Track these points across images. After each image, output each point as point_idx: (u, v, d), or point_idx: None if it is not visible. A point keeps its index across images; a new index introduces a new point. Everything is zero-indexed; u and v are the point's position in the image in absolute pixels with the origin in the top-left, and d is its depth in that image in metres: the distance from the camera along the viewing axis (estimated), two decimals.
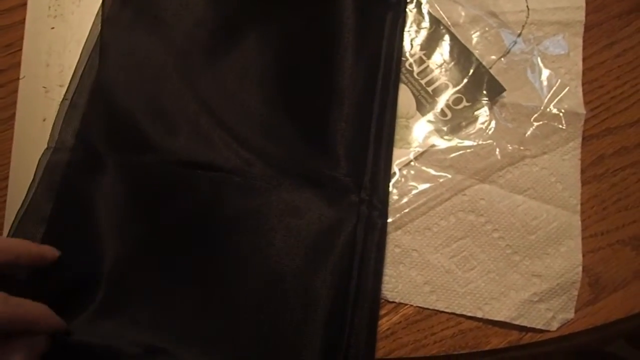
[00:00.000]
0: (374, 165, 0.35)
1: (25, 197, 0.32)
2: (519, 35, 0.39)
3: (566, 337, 0.34)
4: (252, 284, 0.31)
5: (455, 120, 0.37)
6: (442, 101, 0.37)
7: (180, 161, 0.35)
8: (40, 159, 0.34)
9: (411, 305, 0.34)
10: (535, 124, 0.37)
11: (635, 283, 0.34)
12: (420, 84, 0.38)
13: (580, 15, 0.39)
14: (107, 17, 0.37)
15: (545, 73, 0.38)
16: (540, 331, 0.33)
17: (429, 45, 0.39)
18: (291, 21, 0.38)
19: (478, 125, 0.37)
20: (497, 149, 0.36)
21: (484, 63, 0.38)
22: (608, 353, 0.56)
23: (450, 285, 0.34)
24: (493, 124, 0.37)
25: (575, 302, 0.33)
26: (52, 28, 0.38)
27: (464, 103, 0.37)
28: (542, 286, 0.33)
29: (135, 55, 0.36)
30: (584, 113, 0.37)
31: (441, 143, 0.37)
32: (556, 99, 0.37)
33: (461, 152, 0.36)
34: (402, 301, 0.34)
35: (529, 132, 0.37)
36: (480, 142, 0.37)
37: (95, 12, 0.37)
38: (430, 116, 0.37)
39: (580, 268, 0.34)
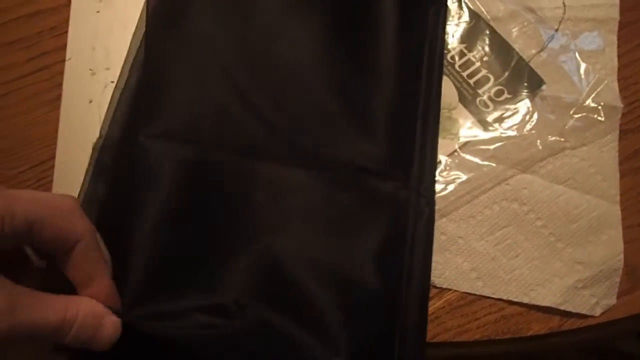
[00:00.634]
0: (421, 155, 0.36)
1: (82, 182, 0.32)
2: (557, 30, 0.40)
3: (604, 325, 0.35)
4: (302, 265, 0.32)
5: (497, 112, 0.38)
6: (483, 93, 0.38)
7: (226, 146, 0.35)
8: (94, 145, 0.34)
9: (454, 291, 0.34)
10: (575, 116, 0.38)
11: None
12: (462, 76, 0.39)
13: (615, 13, 0.41)
14: (153, 7, 0.37)
15: (583, 67, 0.39)
16: (580, 319, 0.34)
17: (470, 39, 0.40)
18: (334, 17, 0.39)
19: (519, 116, 0.38)
20: (538, 140, 0.37)
21: (523, 56, 0.39)
22: None
23: (495, 272, 0.35)
24: (534, 115, 0.38)
25: (617, 289, 0.34)
26: (98, 12, 0.37)
27: (505, 95, 0.38)
28: (585, 273, 0.34)
29: (183, 43, 0.36)
30: (622, 106, 0.38)
31: (483, 134, 0.37)
32: (594, 93, 0.38)
33: (503, 142, 0.37)
34: (449, 287, 0.34)
35: (568, 124, 0.38)
36: (521, 133, 0.37)
37: None
38: (472, 107, 0.38)
39: (622, 256, 0.35)
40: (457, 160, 0.37)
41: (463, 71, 0.39)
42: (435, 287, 0.34)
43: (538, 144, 0.37)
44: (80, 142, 0.34)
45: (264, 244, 0.32)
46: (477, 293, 0.34)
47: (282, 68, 0.37)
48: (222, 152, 0.34)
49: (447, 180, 0.36)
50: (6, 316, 0.20)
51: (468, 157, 0.37)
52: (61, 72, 0.36)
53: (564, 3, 0.41)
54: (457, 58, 0.39)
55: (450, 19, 0.40)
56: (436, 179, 0.36)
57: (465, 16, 0.40)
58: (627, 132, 0.38)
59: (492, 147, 0.37)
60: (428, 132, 0.36)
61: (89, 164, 0.33)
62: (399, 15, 0.38)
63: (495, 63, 0.39)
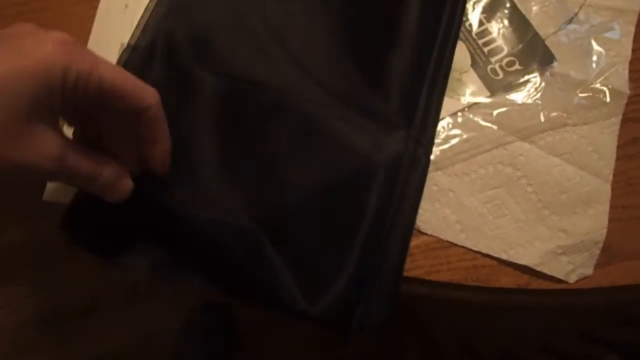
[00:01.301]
0: (426, 107, 0.37)
1: None
2: (576, 14, 0.41)
3: (572, 292, 0.35)
4: (305, 187, 0.34)
5: (506, 80, 0.39)
6: (495, 62, 0.39)
7: (244, 76, 0.36)
8: (120, 56, 0.36)
9: (433, 235, 0.35)
10: (581, 94, 0.39)
11: None
12: (477, 44, 0.40)
13: (636, 5, 0.41)
14: None
15: (596, 52, 0.40)
16: (550, 282, 0.35)
17: (490, 10, 0.41)
18: None
19: (527, 88, 0.39)
20: (542, 113, 0.38)
21: (540, 34, 0.40)
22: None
23: (480, 227, 0.36)
24: (541, 88, 0.39)
25: (595, 261, 0.35)
26: None
27: (517, 66, 0.39)
28: (567, 241, 0.35)
29: None
30: (628, 93, 0.39)
31: (490, 99, 0.39)
32: (603, 76, 0.39)
33: (507, 109, 0.38)
34: (433, 234, 0.35)
35: (574, 102, 0.39)
36: (526, 104, 0.39)
37: None
38: (482, 73, 0.39)
39: (605, 231, 0.36)
40: (460, 120, 0.38)
41: (479, 39, 0.40)
42: (419, 231, 0.35)
43: (541, 116, 0.38)
44: (111, 43, 0.36)
45: (276, 171, 0.34)
46: (459, 244, 0.35)
47: (313, 17, 0.39)
48: (251, 84, 0.36)
49: (448, 136, 0.38)
50: (57, 162, 0.24)
51: (472, 117, 0.38)
52: None
53: None
54: (475, 26, 0.41)
55: None
56: (438, 133, 0.37)
57: None
58: (629, 120, 0.39)
59: (495, 111, 0.38)
60: (436, 87, 0.38)
61: (117, 64, 0.35)
62: None
63: (512, 35, 0.40)
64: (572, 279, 0.35)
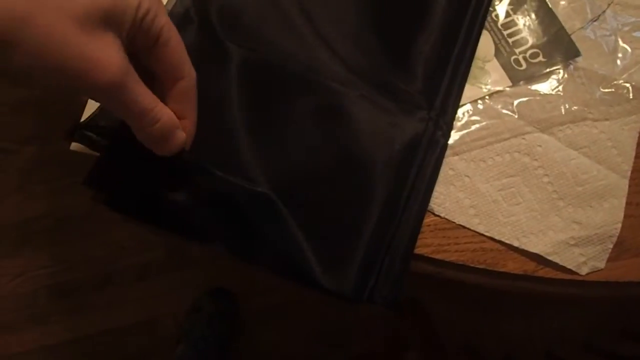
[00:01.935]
0: (447, 91, 0.37)
1: None
2: (604, 12, 0.41)
3: (576, 283, 0.35)
4: (324, 160, 0.34)
5: (529, 71, 0.39)
6: (519, 53, 0.40)
7: (271, 50, 0.37)
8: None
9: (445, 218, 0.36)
10: (603, 90, 0.39)
11: None
12: (502, 34, 0.40)
13: None
14: None
15: (622, 49, 0.40)
16: (557, 270, 0.35)
17: (518, 2, 0.41)
18: None
19: (549, 80, 0.39)
20: (563, 105, 0.38)
21: (566, 28, 0.40)
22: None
23: (494, 213, 0.36)
24: (564, 81, 0.39)
25: (608, 255, 0.35)
26: None
27: (540, 58, 0.39)
28: (581, 232, 0.35)
29: None
30: None
31: (511, 89, 0.39)
32: (627, 73, 0.39)
33: (529, 98, 0.38)
34: (446, 217, 0.36)
35: (596, 96, 0.39)
36: (548, 96, 0.39)
37: None
38: (506, 63, 0.39)
39: (620, 225, 0.36)
40: (480, 107, 0.38)
41: (504, 30, 0.40)
42: (433, 213, 0.36)
43: (562, 108, 0.38)
44: None
45: (296, 143, 0.35)
46: (472, 228, 0.36)
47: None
48: (277, 58, 0.37)
49: (467, 122, 0.38)
50: (120, 74, 0.24)
51: (492, 105, 0.38)
52: None
53: None
54: (501, 17, 0.41)
55: None
56: (458, 118, 0.38)
57: None
58: None
59: (516, 101, 0.38)
60: (458, 73, 0.38)
61: None
62: None
63: (537, 28, 0.40)
64: (584, 271, 0.35)
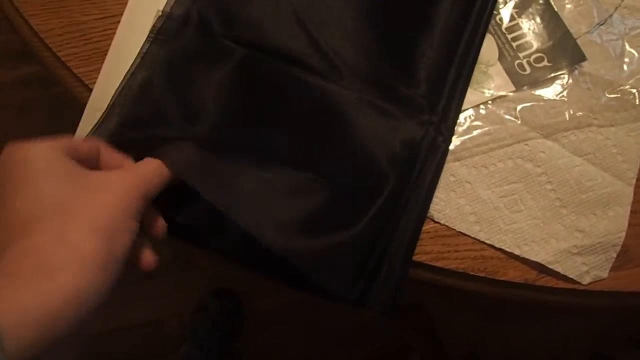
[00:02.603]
0: (449, 96, 0.37)
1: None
2: (611, 15, 0.41)
3: (578, 293, 0.35)
4: (321, 161, 0.34)
5: (533, 76, 0.38)
6: (524, 57, 0.39)
7: (272, 52, 0.37)
8: (155, 23, 0.37)
9: (445, 225, 0.35)
10: (609, 95, 0.38)
11: None
12: (506, 38, 0.40)
13: None
14: None
15: (629, 54, 0.39)
16: (559, 279, 0.34)
17: (522, 5, 0.41)
18: None
19: (554, 85, 0.38)
20: (567, 111, 0.38)
21: (571, 32, 0.40)
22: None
23: (495, 220, 0.35)
24: (568, 86, 0.38)
25: (611, 264, 0.34)
26: None
27: (545, 62, 0.39)
28: (584, 241, 0.35)
29: None
30: None
31: (515, 94, 0.38)
32: (634, 78, 0.38)
33: (532, 104, 0.38)
34: (446, 224, 0.35)
35: (601, 102, 0.38)
36: (552, 101, 0.38)
37: None
38: (509, 68, 0.39)
39: (624, 234, 0.35)
40: (483, 112, 0.38)
41: (509, 33, 0.40)
42: (433, 220, 0.35)
43: (566, 114, 0.38)
44: (148, 10, 0.37)
45: (293, 144, 0.35)
46: (472, 236, 0.35)
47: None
48: (278, 59, 0.37)
49: (469, 127, 0.37)
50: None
51: (495, 110, 0.38)
52: None
53: None
54: (505, 20, 0.40)
55: None
56: (460, 123, 0.37)
57: None
58: None
59: (520, 106, 0.38)
60: (461, 77, 0.37)
61: (152, 29, 0.36)
62: None
63: (542, 32, 0.40)
64: (586, 280, 0.34)
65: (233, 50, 0.37)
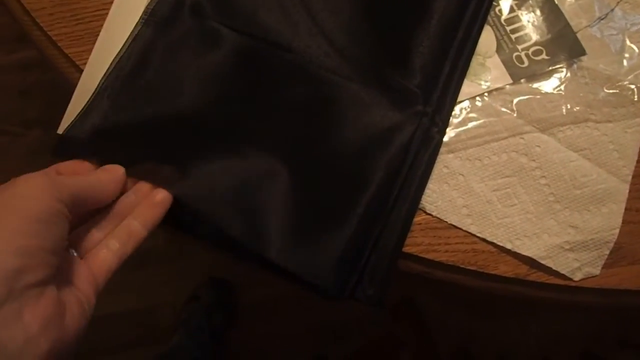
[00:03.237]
0: (444, 86, 0.36)
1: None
2: (612, 10, 0.40)
3: (569, 289, 0.34)
4: (313, 149, 0.33)
5: (531, 69, 0.38)
6: (522, 49, 0.38)
7: (264, 38, 0.36)
8: (148, 4, 0.36)
9: (437, 217, 0.35)
10: (607, 90, 0.37)
11: None
12: (505, 30, 0.39)
13: None
14: None
15: (629, 49, 0.39)
16: (548, 276, 0.34)
17: None
18: None
19: (551, 79, 0.38)
20: (564, 105, 0.37)
21: (571, 25, 0.39)
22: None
23: (487, 214, 0.35)
24: (567, 82, 0.38)
25: (604, 261, 0.34)
26: None
27: (543, 56, 0.38)
28: (576, 237, 0.34)
29: None
30: None
31: (512, 86, 0.38)
32: (633, 74, 0.38)
33: (529, 97, 0.37)
34: (438, 216, 0.35)
35: (599, 97, 0.37)
36: (549, 95, 0.37)
37: None
38: (507, 60, 0.38)
39: (618, 231, 0.34)
40: (479, 104, 0.37)
41: (507, 25, 0.39)
42: (424, 212, 0.35)
43: (563, 108, 0.37)
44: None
45: (287, 130, 0.34)
46: (464, 229, 0.35)
47: None
48: (272, 45, 0.36)
49: (464, 119, 0.37)
50: None
51: (491, 103, 0.37)
52: None
53: None
54: (505, 11, 0.39)
55: None
56: (454, 115, 0.37)
57: None
58: None
59: (516, 99, 0.37)
60: (457, 68, 0.37)
61: (144, 10, 0.35)
62: None
63: (542, 25, 0.39)
64: (578, 276, 0.34)
65: (225, 35, 0.36)
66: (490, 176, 0.36)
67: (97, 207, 0.29)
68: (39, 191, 0.24)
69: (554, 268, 0.34)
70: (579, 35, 0.39)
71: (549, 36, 0.39)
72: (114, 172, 0.30)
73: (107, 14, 0.37)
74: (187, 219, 0.32)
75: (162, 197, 0.30)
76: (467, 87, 0.37)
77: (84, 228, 0.29)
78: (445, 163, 0.36)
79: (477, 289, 0.34)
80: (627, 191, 0.36)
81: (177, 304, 1.02)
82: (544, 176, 0.36)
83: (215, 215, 0.31)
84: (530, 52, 0.38)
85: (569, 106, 0.37)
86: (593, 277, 0.34)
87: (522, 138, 0.37)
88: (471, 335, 0.83)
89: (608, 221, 0.35)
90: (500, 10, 0.40)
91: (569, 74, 0.38)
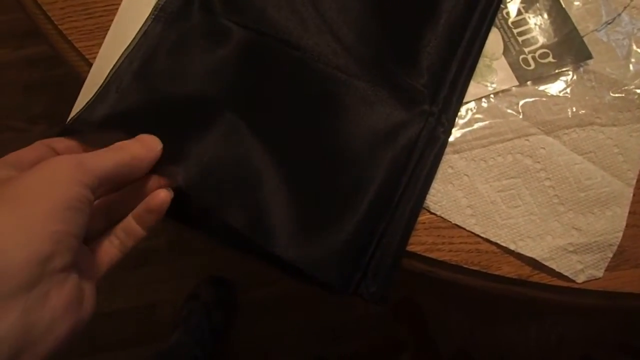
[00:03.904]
0: (451, 87, 0.36)
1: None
2: (619, 14, 0.40)
3: (572, 291, 0.34)
4: (319, 146, 0.34)
5: (537, 72, 0.38)
6: (529, 52, 0.39)
7: (273, 35, 0.37)
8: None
9: (441, 216, 0.35)
10: (613, 94, 0.38)
11: None
12: (512, 32, 0.39)
13: None
14: None
15: (635, 54, 0.39)
16: (551, 278, 0.34)
17: (530, 0, 0.40)
18: None
19: (558, 82, 0.38)
20: (570, 108, 0.37)
21: (578, 29, 0.39)
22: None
23: (491, 214, 0.35)
24: (573, 85, 0.38)
25: (607, 264, 0.34)
26: None
27: (550, 59, 0.38)
28: (580, 239, 0.34)
29: None
30: None
31: (518, 89, 0.38)
32: (639, 79, 0.38)
33: (535, 99, 0.37)
34: (442, 215, 0.35)
35: (605, 101, 0.38)
36: (555, 98, 0.38)
37: None
38: (514, 62, 0.38)
39: (621, 234, 0.34)
40: (485, 105, 0.37)
41: (515, 28, 0.39)
42: (429, 211, 0.35)
43: (569, 111, 0.37)
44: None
45: (293, 126, 0.35)
46: (467, 229, 0.35)
47: None
48: (279, 42, 0.36)
49: (470, 119, 0.37)
50: None
51: (497, 104, 0.37)
52: None
53: None
54: (512, 14, 0.40)
55: None
56: (460, 116, 0.37)
57: None
58: None
59: (522, 101, 0.37)
60: (464, 69, 0.37)
61: (154, 6, 0.36)
62: None
63: (549, 28, 0.39)
64: (581, 278, 0.34)
65: (234, 31, 0.36)
66: (495, 177, 0.36)
67: (128, 184, 0.29)
68: (66, 177, 0.24)
69: (557, 270, 0.34)
70: (585, 39, 0.39)
71: (556, 39, 0.39)
72: (149, 145, 0.29)
73: (117, 8, 0.37)
74: (193, 213, 0.32)
75: (161, 198, 0.29)
76: (474, 88, 0.38)
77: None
78: (450, 163, 0.36)
79: (479, 289, 0.34)
80: (632, 194, 0.36)
81: (177, 301, 1.02)
82: (548, 178, 0.36)
83: (220, 208, 0.31)
84: (536, 54, 0.39)
85: (574, 109, 0.37)
86: (596, 279, 0.34)
87: (528, 140, 0.37)
88: (472, 338, 0.83)
89: (612, 224, 0.35)
90: (507, 13, 0.40)
91: (575, 77, 0.38)
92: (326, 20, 0.37)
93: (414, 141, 0.34)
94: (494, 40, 0.39)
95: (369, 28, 0.38)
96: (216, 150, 0.32)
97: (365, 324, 1.00)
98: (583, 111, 0.37)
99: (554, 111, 0.37)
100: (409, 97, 0.36)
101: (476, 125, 0.37)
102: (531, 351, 0.81)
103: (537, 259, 0.34)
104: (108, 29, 0.37)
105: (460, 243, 0.34)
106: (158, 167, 0.30)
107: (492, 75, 0.38)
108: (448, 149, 0.36)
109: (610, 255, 0.34)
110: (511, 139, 0.37)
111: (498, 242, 0.34)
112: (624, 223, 0.35)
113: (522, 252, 0.34)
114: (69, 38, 0.37)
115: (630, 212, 0.35)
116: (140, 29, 0.36)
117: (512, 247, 0.34)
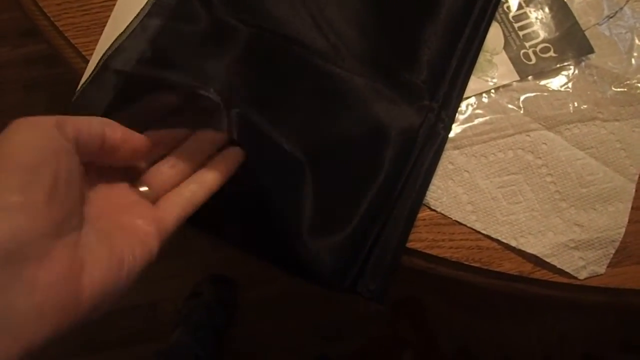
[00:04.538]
0: (451, 83, 0.36)
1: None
2: (621, 8, 0.40)
3: (573, 288, 0.34)
4: (320, 143, 0.33)
5: (538, 67, 0.38)
6: (530, 47, 0.38)
7: (272, 30, 0.36)
8: None
9: (441, 213, 0.34)
10: (615, 89, 0.37)
11: None
12: (513, 27, 0.39)
13: None
14: None
15: (637, 48, 0.38)
16: (552, 275, 0.34)
17: None
18: None
19: (559, 76, 0.38)
20: (572, 103, 0.37)
21: (580, 23, 0.39)
22: None
23: (492, 211, 0.35)
24: (574, 80, 0.37)
25: (609, 260, 0.34)
26: None
27: (551, 53, 0.38)
28: (582, 236, 0.34)
29: None
30: None
31: (519, 83, 0.37)
32: None
33: (536, 94, 0.37)
34: (442, 212, 0.35)
35: (607, 96, 0.37)
36: (556, 93, 0.37)
37: None
38: (514, 57, 0.38)
39: (624, 230, 0.34)
40: (485, 101, 0.37)
41: (515, 22, 0.39)
42: (429, 208, 0.35)
43: (570, 106, 0.37)
44: None
45: (295, 124, 0.34)
46: (468, 225, 0.34)
47: None
48: (281, 39, 0.36)
49: (471, 115, 0.37)
50: None
51: (498, 100, 0.37)
52: None
53: None
54: (513, 8, 0.39)
55: None
56: (461, 111, 0.37)
57: None
58: None
59: (523, 96, 0.37)
60: (464, 65, 0.37)
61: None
62: None
63: (550, 22, 0.39)
64: (583, 275, 0.34)
65: (233, 27, 0.36)
66: (495, 173, 0.36)
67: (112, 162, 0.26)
68: (32, 130, 0.21)
69: (558, 266, 0.33)
70: (587, 33, 0.39)
71: (557, 34, 0.38)
72: (140, 138, 0.27)
73: (114, 5, 0.37)
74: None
75: (235, 151, 0.29)
76: (474, 84, 0.37)
77: (157, 167, 0.28)
78: (450, 159, 0.36)
79: (480, 286, 0.33)
80: (634, 190, 0.35)
81: (179, 300, 1.02)
82: (550, 174, 0.36)
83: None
84: (537, 49, 0.38)
85: (576, 104, 0.37)
86: (598, 275, 0.34)
87: (529, 135, 0.36)
88: (473, 335, 0.83)
89: (614, 220, 0.34)
90: (508, 7, 0.39)
91: (576, 72, 0.38)
92: (325, 16, 0.37)
93: (414, 137, 0.34)
94: (495, 35, 0.39)
95: (369, 24, 0.37)
96: None
97: (366, 323, 1.00)
98: (585, 106, 0.37)
99: (556, 106, 0.37)
100: (408, 93, 0.35)
101: (477, 121, 0.37)
102: (533, 348, 0.81)
103: (539, 255, 0.33)
104: (105, 25, 0.37)
105: (461, 240, 0.33)
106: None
107: (493, 70, 0.38)
108: (448, 145, 0.36)
109: (613, 251, 0.34)
110: (512, 135, 0.36)
111: (499, 238, 0.34)
112: (627, 219, 0.34)
113: (523, 249, 0.34)
114: (66, 35, 0.37)
115: (632, 208, 0.35)
116: (133, 20, 0.35)
117: (513, 243, 0.34)
